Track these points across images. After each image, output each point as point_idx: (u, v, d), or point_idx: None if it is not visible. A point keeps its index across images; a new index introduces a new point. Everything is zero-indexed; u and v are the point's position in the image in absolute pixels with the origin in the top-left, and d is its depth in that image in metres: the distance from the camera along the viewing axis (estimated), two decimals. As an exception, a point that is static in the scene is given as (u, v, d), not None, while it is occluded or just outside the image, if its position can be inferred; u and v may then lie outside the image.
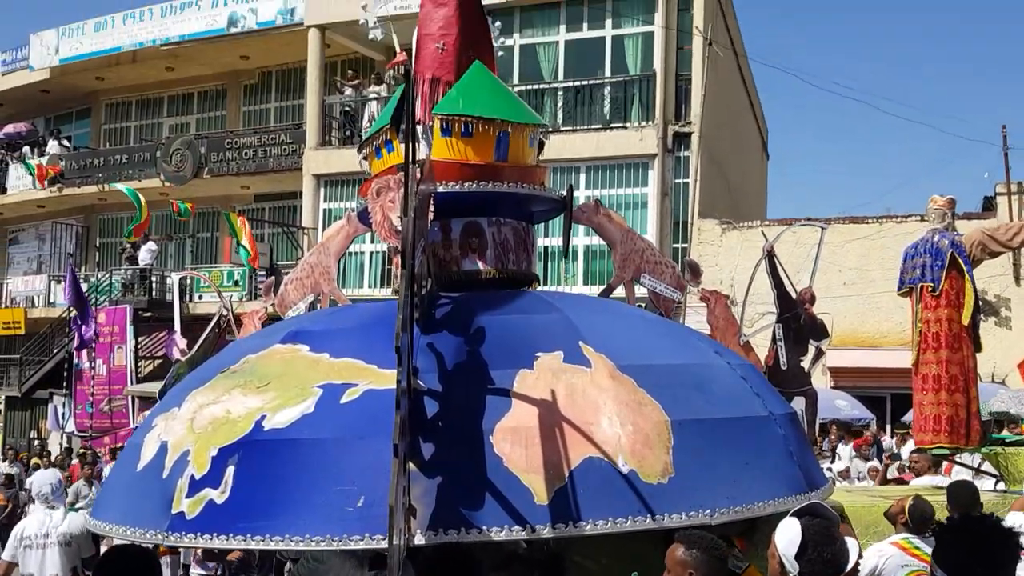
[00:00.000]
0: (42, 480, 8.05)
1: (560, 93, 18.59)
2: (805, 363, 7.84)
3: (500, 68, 6.01)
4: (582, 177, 17.94)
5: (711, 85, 18.00)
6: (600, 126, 17.94)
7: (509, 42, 18.77)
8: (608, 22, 18.42)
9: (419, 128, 5.30)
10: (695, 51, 17.62)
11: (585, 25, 18.63)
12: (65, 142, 25.77)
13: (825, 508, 3.33)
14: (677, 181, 17.62)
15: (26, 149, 25.90)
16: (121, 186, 20.87)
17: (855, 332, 15.56)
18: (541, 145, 5.67)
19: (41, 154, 25.17)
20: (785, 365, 7.49)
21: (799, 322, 7.71)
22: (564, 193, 5.57)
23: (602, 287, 18.19)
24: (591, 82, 18.37)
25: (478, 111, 4.97)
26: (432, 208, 4.47)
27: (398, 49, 5.85)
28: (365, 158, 5.44)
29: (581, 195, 17.73)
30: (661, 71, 17.66)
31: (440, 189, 4.74)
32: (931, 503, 4.49)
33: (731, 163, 21.19)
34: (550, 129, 5.62)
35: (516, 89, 18.25)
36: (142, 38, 22.79)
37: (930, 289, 6.60)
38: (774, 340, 7.65)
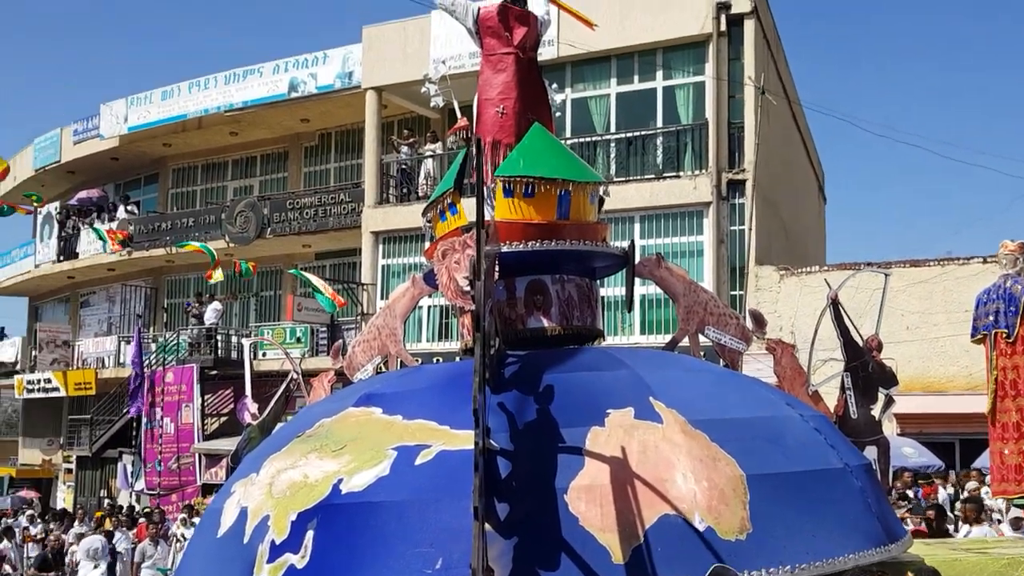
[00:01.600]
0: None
1: (613, 144, 18.69)
2: (875, 411, 7.68)
3: (554, 119, 6.08)
4: (637, 227, 17.93)
5: (764, 132, 17.94)
6: (653, 176, 17.95)
7: (561, 96, 18.93)
8: (659, 73, 18.54)
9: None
10: (747, 99, 17.60)
11: (636, 77, 18.77)
12: (133, 207, 26.53)
13: (728, 570, 3.27)
14: (733, 228, 17.51)
15: (95, 216, 26.70)
16: (195, 244, 21.32)
17: (921, 377, 15.20)
18: (601, 202, 5.70)
19: (111, 219, 25.93)
20: (855, 414, 7.35)
21: (867, 370, 7.58)
22: (625, 248, 5.56)
23: (659, 336, 17.97)
24: (643, 133, 18.44)
25: (539, 172, 5.02)
26: (497, 268, 4.51)
27: (459, 114, 5.94)
28: (429, 222, 5.50)
29: (637, 245, 17.67)
30: (713, 120, 17.66)
31: (504, 249, 4.79)
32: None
33: (788, 208, 21.02)
34: (608, 183, 5.64)
35: (569, 142, 18.39)
36: (207, 105, 23.50)
37: (1005, 336, 6.42)
38: (843, 389, 7.51)
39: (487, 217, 5.25)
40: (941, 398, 14.86)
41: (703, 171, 17.61)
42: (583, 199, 5.22)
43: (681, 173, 17.89)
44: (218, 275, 19.06)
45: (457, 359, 5.77)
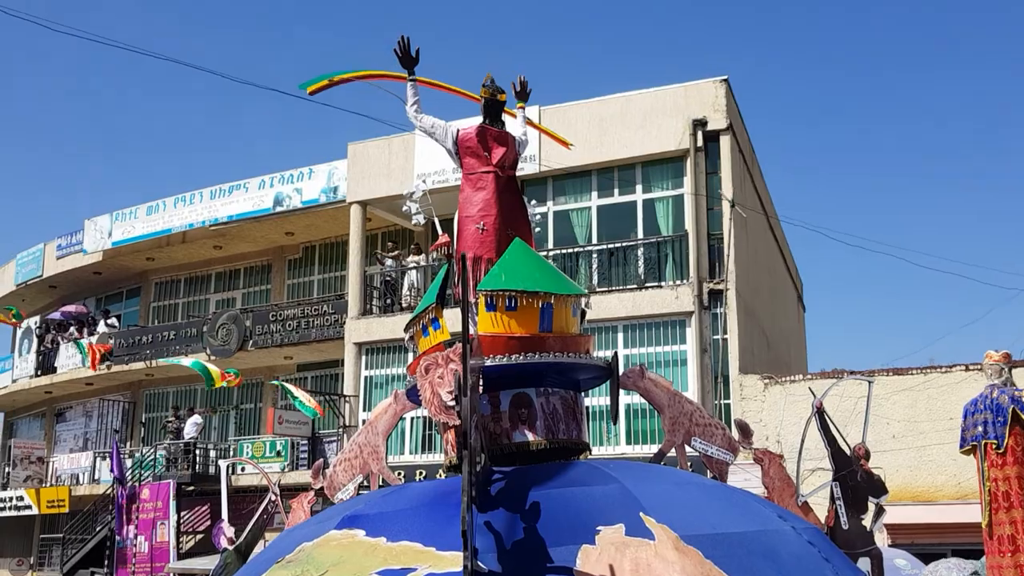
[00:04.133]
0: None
1: (594, 255, 18.87)
2: (866, 522, 7.57)
3: (535, 233, 6.16)
4: (620, 336, 17.97)
5: (742, 242, 18.20)
6: (635, 286, 18.08)
7: (543, 209, 19.32)
8: (639, 187, 18.88)
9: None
10: (725, 211, 17.92)
11: (616, 191, 19.10)
12: (114, 321, 26.39)
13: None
14: (715, 337, 17.56)
15: (73, 329, 26.50)
16: (186, 361, 21.08)
17: (909, 486, 15.04)
18: (583, 314, 5.71)
19: (91, 333, 25.74)
20: (846, 525, 7.23)
21: (856, 480, 7.50)
22: (609, 359, 5.54)
23: (644, 447, 17.76)
24: (624, 244, 18.65)
25: (521, 285, 5.06)
26: (481, 382, 4.47)
27: (439, 229, 6.01)
28: (412, 337, 5.49)
29: (620, 354, 17.68)
30: (693, 231, 17.91)
31: (487, 362, 4.77)
32: None
33: (768, 317, 21.16)
34: (590, 295, 5.66)
35: (551, 253, 18.58)
36: (192, 219, 23.66)
37: (994, 447, 6.37)
38: (832, 499, 7.42)
39: (470, 331, 5.25)
40: (931, 508, 14.67)
41: (684, 281, 17.77)
42: (566, 311, 5.23)
43: (663, 283, 18.04)
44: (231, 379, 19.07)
45: (440, 474, 5.67)
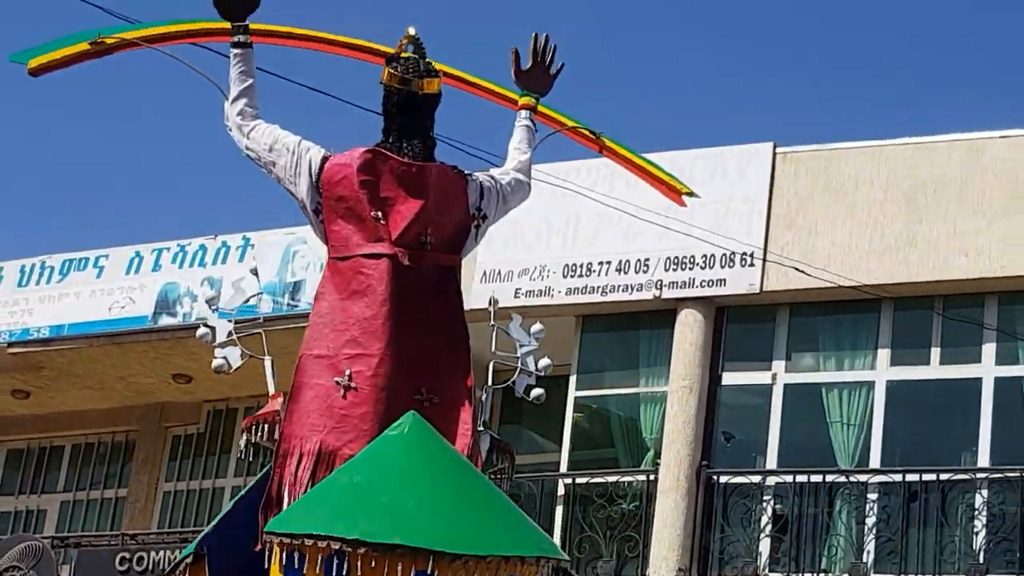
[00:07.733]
0: None
1: (874, 497, 15.78)
2: None
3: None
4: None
5: None
6: None
7: (763, 377, 16.34)
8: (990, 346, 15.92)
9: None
10: None
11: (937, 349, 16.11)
12: None
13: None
14: None
15: None
16: None
17: None
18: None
19: None
20: None
21: None
22: None
23: None
24: (948, 477, 15.22)
25: (364, 527, 4.08)
26: None
27: (271, 390, 4.92)
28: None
29: None
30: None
31: None
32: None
33: None
34: (569, 563, 4.80)
35: (770, 481, 15.89)
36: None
37: None
38: None
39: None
40: None
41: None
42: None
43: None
44: None
45: None
